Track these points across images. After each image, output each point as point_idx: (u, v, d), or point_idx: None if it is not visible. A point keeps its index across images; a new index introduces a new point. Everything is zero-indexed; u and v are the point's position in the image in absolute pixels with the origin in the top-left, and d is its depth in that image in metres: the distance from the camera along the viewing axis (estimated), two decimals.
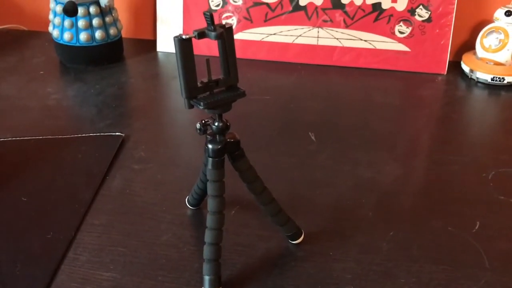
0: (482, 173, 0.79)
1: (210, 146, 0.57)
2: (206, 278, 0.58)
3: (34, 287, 0.59)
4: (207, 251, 0.58)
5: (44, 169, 0.79)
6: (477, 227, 0.68)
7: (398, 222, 0.69)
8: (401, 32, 1.13)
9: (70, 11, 1.06)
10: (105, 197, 0.74)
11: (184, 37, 0.51)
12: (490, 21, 1.11)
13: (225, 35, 0.52)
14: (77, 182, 0.76)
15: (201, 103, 0.53)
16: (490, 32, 1.08)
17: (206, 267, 0.58)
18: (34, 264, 0.62)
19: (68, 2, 1.06)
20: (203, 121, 0.57)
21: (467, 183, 0.77)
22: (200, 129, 0.57)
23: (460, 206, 0.72)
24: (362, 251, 0.64)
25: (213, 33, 0.51)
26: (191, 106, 0.54)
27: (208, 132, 0.58)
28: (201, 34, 0.52)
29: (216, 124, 0.57)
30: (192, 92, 0.54)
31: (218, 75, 0.56)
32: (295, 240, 0.65)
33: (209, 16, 0.51)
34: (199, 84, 0.54)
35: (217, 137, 0.58)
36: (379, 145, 0.87)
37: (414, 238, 0.66)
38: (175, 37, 0.51)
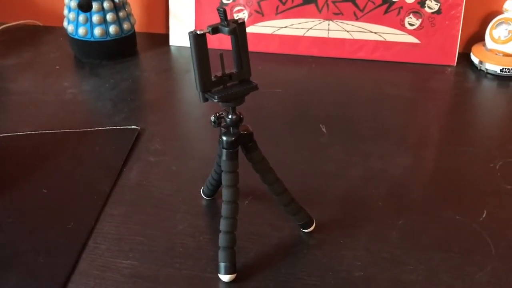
0: (489, 163, 0.81)
1: (224, 138, 0.59)
2: (222, 265, 0.60)
3: (57, 275, 0.61)
4: (222, 239, 0.60)
5: (63, 162, 0.82)
6: (484, 216, 0.70)
7: (407, 212, 0.71)
8: (411, 24, 1.14)
9: (85, 6, 1.08)
10: (123, 188, 0.76)
11: (198, 32, 0.53)
12: (500, 12, 1.12)
13: (238, 30, 0.54)
14: (95, 174, 0.79)
15: (216, 97, 0.55)
16: (500, 23, 1.09)
17: (221, 254, 0.60)
18: (57, 253, 0.65)
19: None
20: (217, 114, 0.59)
21: (475, 173, 0.79)
22: (214, 122, 0.59)
23: (468, 196, 0.74)
24: (372, 240, 0.66)
25: (226, 29, 0.53)
26: (205, 100, 0.56)
27: (222, 124, 0.60)
28: (215, 30, 0.54)
29: (230, 116, 0.59)
30: (207, 86, 0.56)
31: (230, 69, 0.58)
32: (307, 229, 0.67)
33: (223, 11, 0.52)
34: (213, 78, 0.56)
35: (231, 129, 0.60)
36: (390, 136, 0.89)
37: (423, 227, 0.68)
38: (189, 33, 0.53)
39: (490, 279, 0.60)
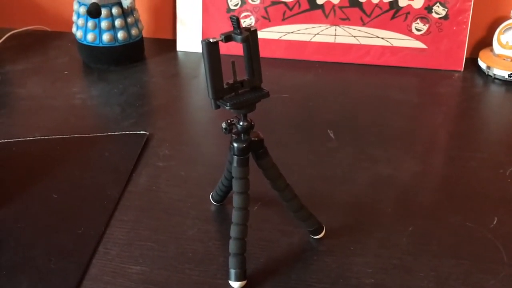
0: (499, 169, 0.80)
1: (235, 144, 0.59)
2: (232, 272, 0.60)
3: (68, 280, 0.62)
4: (233, 246, 0.60)
5: (73, 167, 0.82)
6: (495, 223, 0.70)
7: (417, 218, 0.71)
8: (418, 30, 1.14)
9: (94, 12, 1.09)
10: (132, 193, 0.76)
11: (211, 40, 0.53)
12: (508, 17, 1.12)
13: (251, 38, 0.54)
14: (105, 179, 0.79)
15: (228, 104, 0.55)
16: (508, 28, 1.09)
17: (232, 260, 0.60)
18: (67, 258, 0.65)
19: (92, 4, 1.09)
20: (229, 121, 0.59)
21: (484, 180, 0.78)
22: (225, 129, 0.59)
23: (477, 202, 0.74)
24: (381, 246, 0.66)
25: (239, 37, 0.53)
26: (217, 107, 0.57)
27: (233, 131, 0.60)
28: (228, 38, 0.54)
29: (241, 123, 0.59)
30: (219, 93, 0.56)
31: (241, 76, 0.58)
32: (316, 235, 0.67)
33: (236, 20, 0.53)
34: (225, 86, 0.56)
35: (242, 136, 0.60)
36: (397, 142, 0.89)
37: (432, 233, 0.68)
38: (202, 41, 0.53)
39: (503, 287, 0.60)
